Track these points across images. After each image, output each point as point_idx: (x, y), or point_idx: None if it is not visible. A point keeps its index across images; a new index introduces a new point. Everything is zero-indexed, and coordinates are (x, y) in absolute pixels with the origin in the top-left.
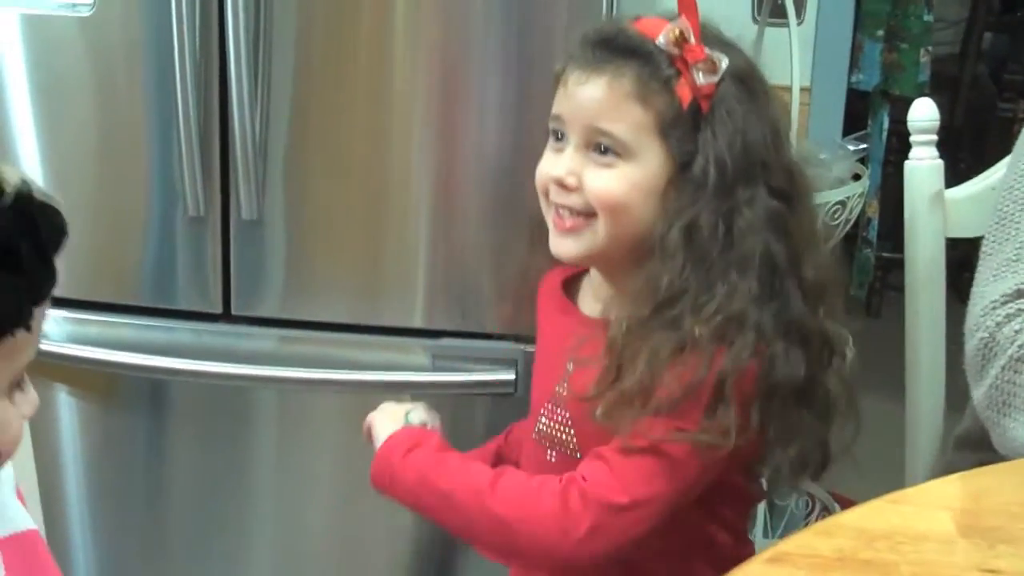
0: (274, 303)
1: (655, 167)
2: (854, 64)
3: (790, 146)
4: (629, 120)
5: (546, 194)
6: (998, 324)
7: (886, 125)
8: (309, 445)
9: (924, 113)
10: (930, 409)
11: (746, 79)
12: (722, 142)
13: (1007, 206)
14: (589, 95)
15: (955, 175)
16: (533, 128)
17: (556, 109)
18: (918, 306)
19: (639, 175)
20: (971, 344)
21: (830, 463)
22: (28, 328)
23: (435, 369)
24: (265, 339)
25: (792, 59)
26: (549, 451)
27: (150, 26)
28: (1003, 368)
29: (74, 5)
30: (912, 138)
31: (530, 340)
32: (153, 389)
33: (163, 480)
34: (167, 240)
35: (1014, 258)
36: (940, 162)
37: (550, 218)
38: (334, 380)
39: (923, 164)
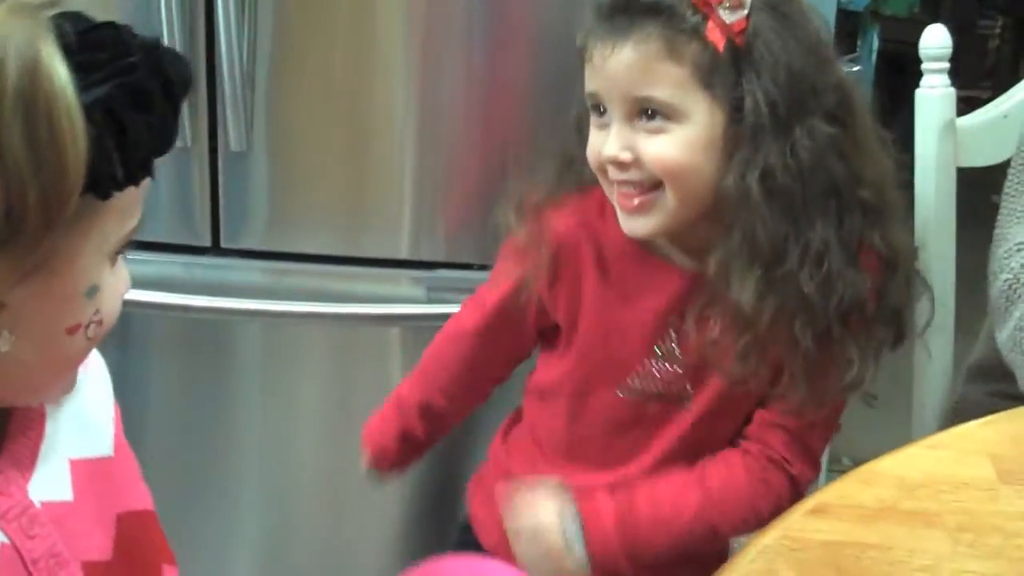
0: (262, 235)
1: (707, 120)
2: None
3: (836, 63)
4: (667, 80)
5: (604, 172)
6: (1022, 265)
7: (876, 45)
8: (298, 378)
9: (935, 40)
10: (940, 341)
11: (776, 4)
12: (767, 78)
13: None
14: (619, 65)
15: None
16: (518, 56)
17: (589, 86)
18: (928, 238)
19: (694, 133)
20: (995, 286)
21: (904, 341)
22: (143, 181)
23: (429, 301)
24: (254, 271)
25: None
26: (650, 404)
27: None
28: None
29: None
30: (923, 66)
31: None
32: (138, 323)
33: (147, 416)
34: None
35: None
36: (952, 91)
37: (614, 197)
38: (328, 313)
39: (934, 93)
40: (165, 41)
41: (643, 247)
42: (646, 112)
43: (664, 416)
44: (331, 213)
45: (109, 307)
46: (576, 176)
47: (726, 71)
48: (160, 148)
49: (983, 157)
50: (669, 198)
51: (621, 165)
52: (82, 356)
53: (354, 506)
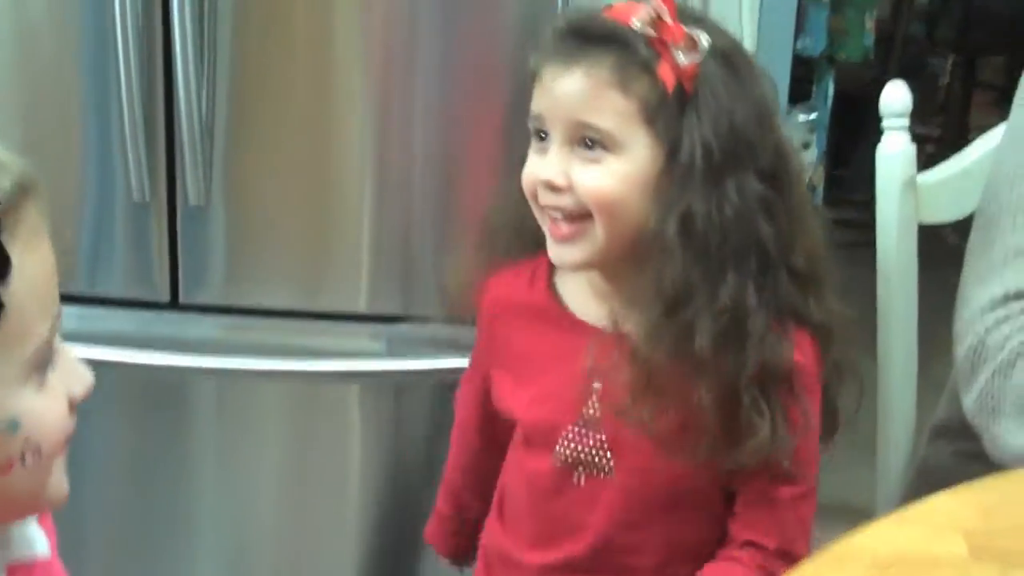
0: (221, 290)
1: (645, 157)
2: (799, 30)
3: (778, 125)
4: (612, 110)
5: (535, 198)
6: (987, 329)
7: (831, 91)
8: (256, 435)
9: (896, 97)
10: (903, 400)
11: (729, 56)
12: (707, 125)
13: (990, 208)
14: (567, 88)
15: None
16: (477, 112)
17: (535, 107)
18: (890, 296)
19: (629, 167)
20: (960, 349)
21: (839, 430)
22: None
23: (390, 355)
24: (213, 327)
25: (742, 24)
26: (577, 475)
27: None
28: (993, 373)
29: None
30: (884, 123)
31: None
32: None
33: (103, 474)
34: (107, 226)
35: (1000, 262)
36: (913, 147)
37: (545, 225)
38: (288, 371)
39: (895, 150)
40: (123, 93)
41: (566, 309)
42: (586, 141)
43: (594, 489)
44: (290, 267)
45: (45, 431)
46: (523, 243)
47: (671, 112)
48: None
49: (945, 213)
50: (598, 231)
51: (554, 189)
52: (35, 483)
53: (312, 565)
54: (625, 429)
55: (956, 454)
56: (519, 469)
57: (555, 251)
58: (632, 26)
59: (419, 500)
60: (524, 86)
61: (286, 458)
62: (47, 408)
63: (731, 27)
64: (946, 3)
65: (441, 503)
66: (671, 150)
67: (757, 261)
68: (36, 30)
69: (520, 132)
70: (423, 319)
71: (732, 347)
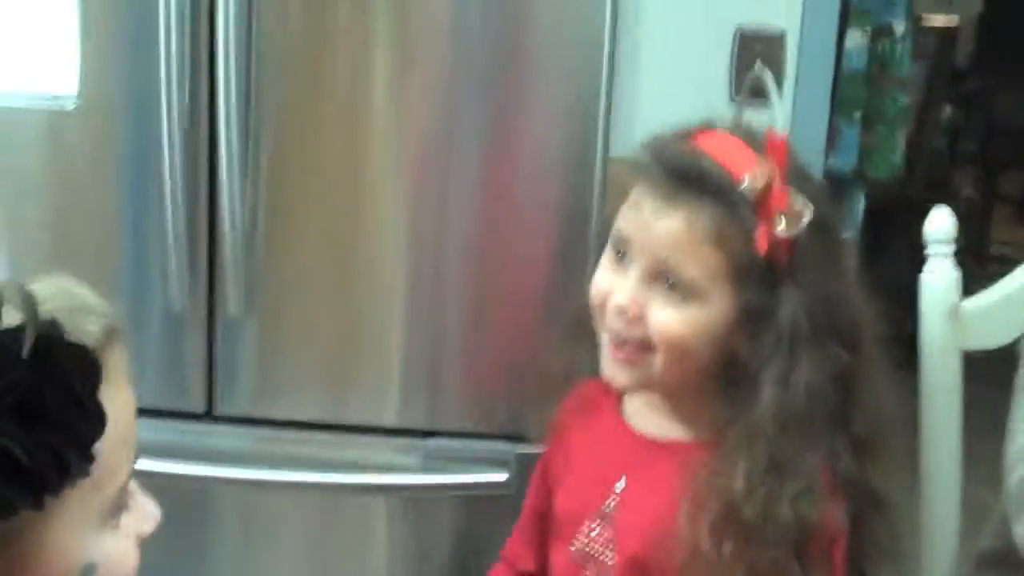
0: (255, 402)
1: (722, 310)
2: (831, 146)
3: (861, 297)
4: (703, 263)
5: (602, 311)
6: None
7: (862, 207)
8: (281, 548)
9: (940, 224)
10: (946, 526)
11: (825, 227)
12: (807, 295)
13: None
14: (664, 229)
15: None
16: (513, 214)
17: (624, 229)
18: (934, 421)
19: (705, 317)
20: (1012, 479)
21: None
22: (86, 473)
23: (425, 470)
24: (246, 439)
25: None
26: (585, 571)
27: (131, 118)
28: None
29: (56, 97)
30: (929, 250)
31: (520, 439)
32: None
33: None
34: (144, 335)
35: None
36: (956, 274)
37: (605, 341)
38: (316, 483)
39: (940, 278)
40: (168, 204)
41: (623, 415)
42: (668, 279)
43: None
44: (322, 379)
45: (117, 574)
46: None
47: (759, 274)
48: (80, 447)
49: (988, 340)
50: (657, 364)
51: (626, 317)
52: None
53: None
54: (630, 528)
55: None
56: (548, 563)
57: (609, 368)
58: (741, 183)
59: None
60: (565, 205)
61: (311, 571)
62: (121, 551)
63: None
64: (968, 118)
65: None
66: (749, 311)
67: (828, 430)
68: (77, 136)
69: (547, 251)
70: (451, 434)
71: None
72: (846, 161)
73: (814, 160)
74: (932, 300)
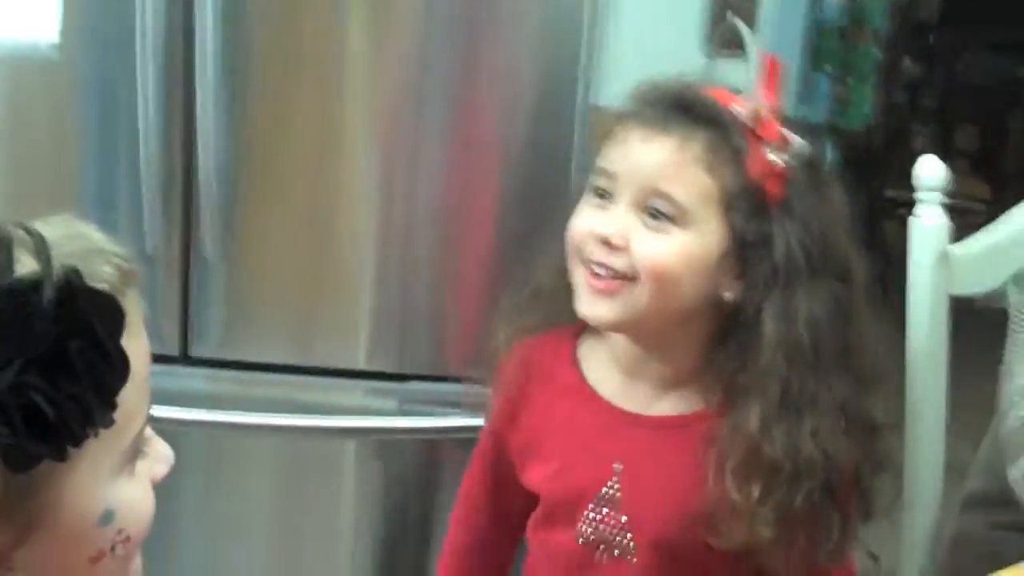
0: (226, 344)
1: (711, 240)
2: (803, 98)
3: (852, 237)
4: (694, 186)
5: (580, 250)
6: None
7: (831, 158)
8: (249, 490)
9: (929, 171)
10: (930, 469)
11: (815, 165)
12: (801, 228)
13: None
14: (653, 155)
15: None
16: (480, 166)
17: (607, 165)
18: (920, 365)
19: (692, 245)
20: (1007, 423)
21: (871, 519)
22: (110, 424)
23: (401, 414)
24: (221, 382)
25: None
26: (599, 554)
27: (106, 58)
28: None
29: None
30: (917, 195)
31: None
32: None
33: None
34: None
35: None
36: (946, 220)
37: (582, 277)
38: (305, 426)
39: (931, 223)
40: (143, 145)
41: (586, 383)
42: (653, 210)
43: (619, 569)
44: (296, 321)
45: (135, 520)
46: (543, 309)
47: (749, 203)
48: (103, 398)
49: (975, 285)
50: (640, 296)
51: (610, 247)
52: (121, 572)
53: None
54: (646, 511)
55: (993, 525)
56: (542, 547)
57: (588, 304)
58: (733, 111)
59: (412, 556)
60: (534, 152)
61: (282, 514)
62: (138, 497)
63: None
64: (930, 74)
65: None
66: (739, 240)
67: (836, 363)
68: (53, 76)
69: (520, 195)
70: (429, 378)
71: (827, 448)
72: (817, 111)
73: (786, 111)
74: (921, 245)
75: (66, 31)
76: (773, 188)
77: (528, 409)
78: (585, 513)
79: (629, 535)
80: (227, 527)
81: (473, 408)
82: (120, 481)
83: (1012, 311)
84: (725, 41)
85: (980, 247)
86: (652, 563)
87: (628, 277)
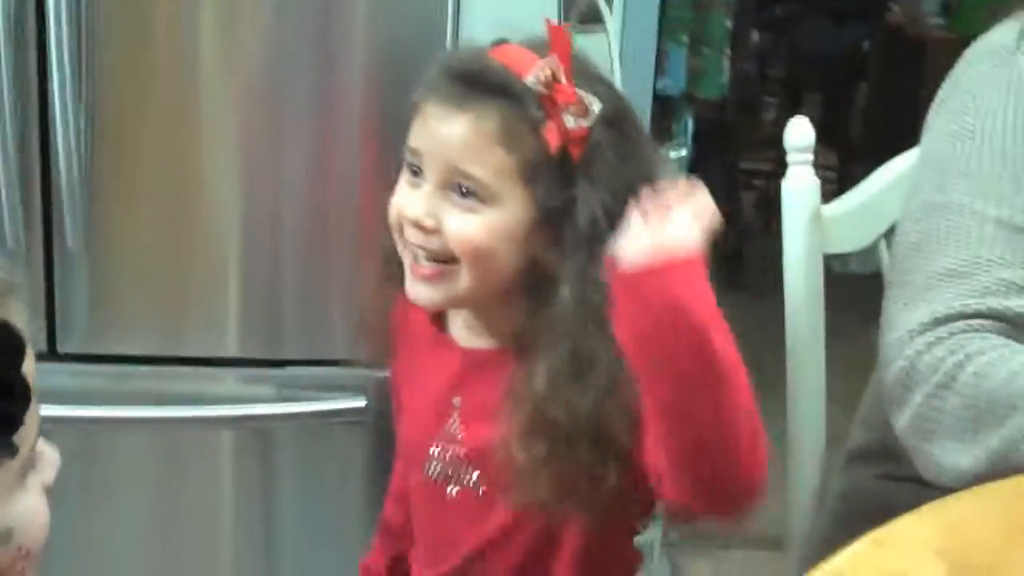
0: (92, 339)
1: (519, 213)
2: (659, 70)
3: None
4: (493, 164)
5: (400, 231)
6: (918, 352)
7: (690, 128)
8: (124, 485)
9: (799, 133)
10: (812, 429)
11: (618, 122)
12: (602, 191)
13: (911, 236)
14: (451, 134)
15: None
16: (341, 145)
17: (413, 142)
18: (799, 325)
19: (502, 221)
20: (890, 373)
21: None
22: (13, 454)
23: (281, 399)
24: (90, 377)
25: (612, 66)
26: (449, 488)
27: None
28: (927, 396)
29: None
30: (789, 157)
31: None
32: None
33: None
34: None
35: (924, 287)
36: (817, 181)
37: (406, 260)
38: (179, 418)
39: (802, 185)
40: None
41: (437, 326)
42: (461, 187)
43: (465, 504)
44: (162, 312)
45: (33, 534)
46: (397, 272)
47: (552, 173)
48: (11, 420)
49: (847, 244)
50: (461, 276)
51: (422, 229)
52: None
53: None
54: (483, 443)
55: (879, 477)
56: (410, 494)
57: (412, 288)
58: (525, 81)
59: (293, 544)
60: (396, 127)
61: (157, 509)
62: (32, 509)
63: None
64: (775, 44)
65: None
66: (547, 209)
67: None
68: None
69: (384, 171)
70: (305, 362)
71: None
72: (675, 83)
73: (644, 83)
74: (794, 206)
75: None
76: (576, 152)
77: (406, 362)
78: (431, 450)
79: (470, 468)
80: (104, 524)
81: (354, 391)
82: (16, 497)
83: (885, 268)
84: (581, 15)
85: (851, 206)
86: (498, 494)
87: (448, 260)
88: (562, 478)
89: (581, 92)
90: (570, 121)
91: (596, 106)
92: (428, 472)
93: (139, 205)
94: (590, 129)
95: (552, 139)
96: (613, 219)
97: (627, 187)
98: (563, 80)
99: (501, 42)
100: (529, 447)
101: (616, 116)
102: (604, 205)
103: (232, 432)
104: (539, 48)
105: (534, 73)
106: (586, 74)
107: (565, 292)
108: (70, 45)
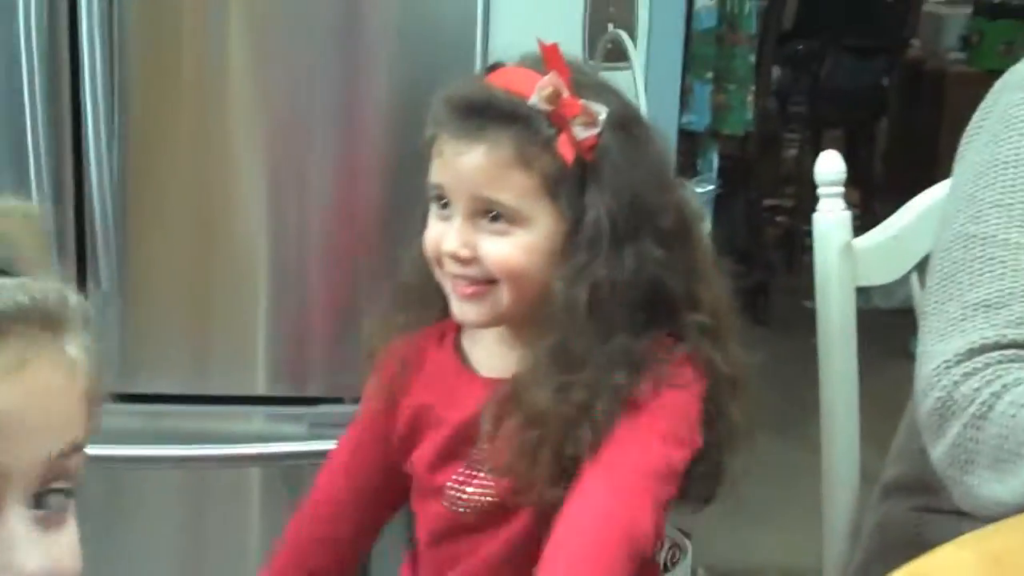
0: (125, 377)
1: (550, 228)
2: (684, 106)
3: (676, 185)
4: (515, 187)
5: (440, 263)
6: (955, 383)
7: (715, 164)
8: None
9: (830, 167)
10: (847, 460)
11: (626, 124)
12: (610, 195)
13: (945, 266)
14: (469, 166)
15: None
16: (370, 182)
17: (436, 179)
18: (832, 358)
19: (535, 239)
20: (926, 404)
21: (715, 496)
22: None
23: (310, 437)
24: (126, 416)
25: (639, 102)
26: (466, 517)
27: None
28: (964, 426)
29: None
30: (819, 190)
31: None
32: None
33: None
34: None
35: (960, 317)
36: (848, 214)
37: (448, 285)
38: (210, 456)
39: (833, 218)
40: (34, 184)
41: (469, 367)
42: (490, 213)
43: (478, 524)
44: (192, 351)
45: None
46: (422, 308)
47: (573, 183)
48: None
49: (878, 276)
50: (503, 295)
51: (460, 260)
52: None
53: None
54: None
55: (915, 509)
56: (420, 519)
57: (459, 308)
58: (530, 102)
59: None
60: (420, 166)
61: (185, 547)
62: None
63: None
64: (796, 80)
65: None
66: (575, 220)
67: (667, 318)
68: None
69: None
70: (321, 400)
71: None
72: (700, 119)
73: (669, 119)
74: (825, 238)
75: None
76: (590, 159)
77: (410, 398)
78: (454, 476)
79: (491, 490)
80: (133, 563)
81: None
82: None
83: (917, 300)
84: (606, 52)
85: (883, 238)
86: (523, 518)
87: (489, 281)
88: (557, 461)
89: (586, 102)
90: (580, 132)
91: (603, 113)
92: (449, 499)
93: (169, 248)
94: (599, 135)
95: (566, 152)
96: (616, 220)
97: (632, 189)
98: (566, 94)
99: (497, 66)
100: (499, 423)
101: (623, 119)
102: (608, 208)
103: (261, 470)
104: (535, 64)
105: (538, 92)
106: (588, 83)
107: (555, 289)
108: (104, 88)
